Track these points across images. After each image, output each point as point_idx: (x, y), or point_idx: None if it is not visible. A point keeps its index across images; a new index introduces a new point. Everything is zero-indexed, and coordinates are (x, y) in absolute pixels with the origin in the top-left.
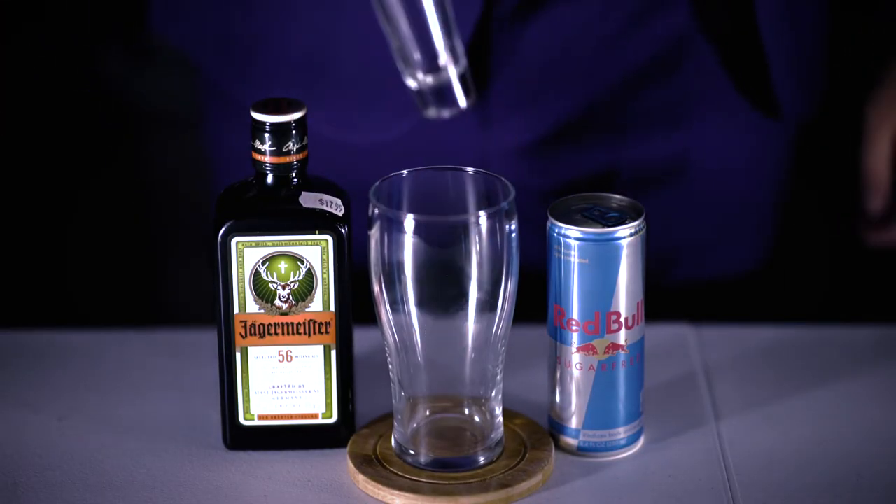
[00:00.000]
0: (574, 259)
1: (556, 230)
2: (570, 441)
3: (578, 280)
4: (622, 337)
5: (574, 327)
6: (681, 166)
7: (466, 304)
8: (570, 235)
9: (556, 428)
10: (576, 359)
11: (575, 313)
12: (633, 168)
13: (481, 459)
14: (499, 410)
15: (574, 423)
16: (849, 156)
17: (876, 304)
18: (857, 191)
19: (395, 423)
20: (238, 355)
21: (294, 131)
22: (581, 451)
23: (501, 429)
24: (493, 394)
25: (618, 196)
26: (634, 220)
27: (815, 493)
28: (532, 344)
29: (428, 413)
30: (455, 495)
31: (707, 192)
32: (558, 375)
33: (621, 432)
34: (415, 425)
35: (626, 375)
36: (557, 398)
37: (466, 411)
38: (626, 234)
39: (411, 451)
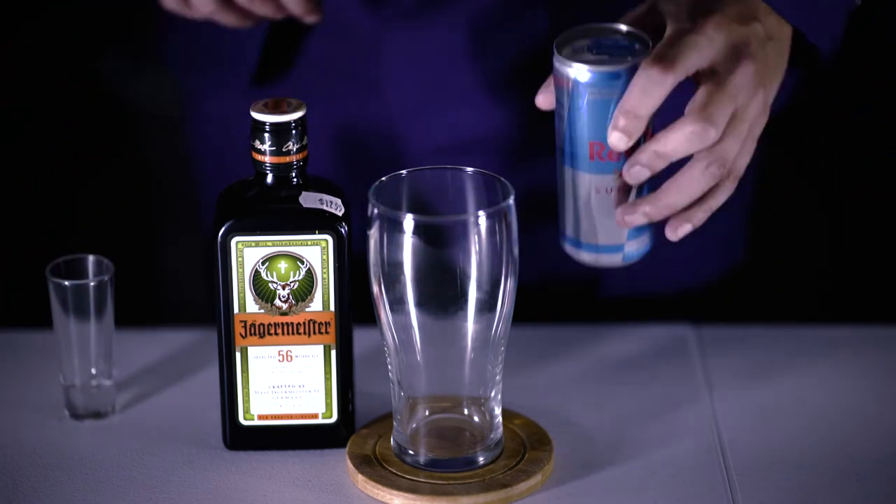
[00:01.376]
0: (593, 97)
1: (571, 69)
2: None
3: (601, 114)
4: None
5: (614, 157)
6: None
7: (466, 304)
8: (587, 75)
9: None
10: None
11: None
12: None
13: (480, 459)
14: (498, 410)
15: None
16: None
17: (876, 305)
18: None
19: (395, 424)
20: (238, 355)
21: (294, 131)
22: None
23: (501, 429)
24: (493, 394)
25: (622, 27)
26: (644, 49)
27: (815, 492)
28: (532, 344)
29: (427, 413)
30: (455, 495)
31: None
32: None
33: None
34: (414, 425)
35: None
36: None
37: (466, 411)
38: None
39: (410, 451)
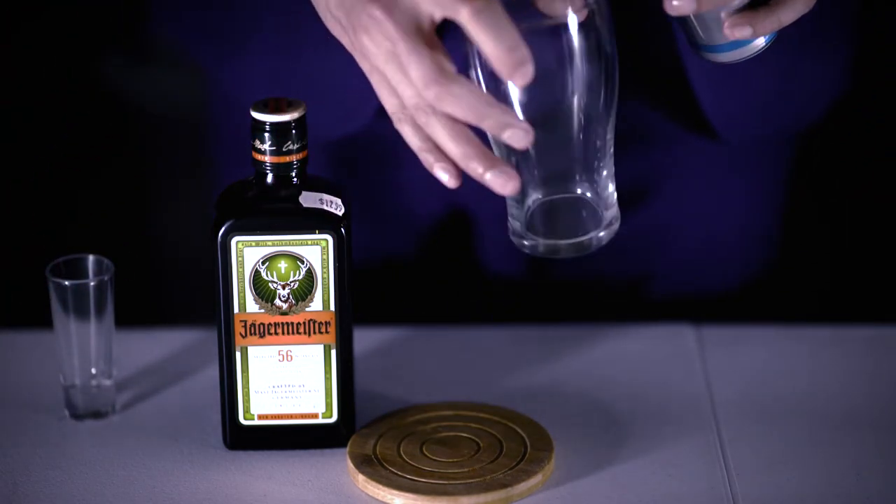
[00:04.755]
0: None
1: None
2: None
3: None
4: None
5: None
6: (644, 188)
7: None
8: None
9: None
10: None
11: None
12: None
13: (602, 235)
14: (612, 187)
15: None
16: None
17: (876, 305)
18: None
19: (509, 211)
20: (238, 355)
21: (294, 131)
22: None
23: (616, 206)
24: (605, 168)
25: None
26: None
27: (815, 492)
28: (532, 344)
29: (541, 196)
30: (455, 495)
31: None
32: None
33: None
34: (529, 206)
35: None
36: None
37: (578, 190)
38: None
39: (529, 238)
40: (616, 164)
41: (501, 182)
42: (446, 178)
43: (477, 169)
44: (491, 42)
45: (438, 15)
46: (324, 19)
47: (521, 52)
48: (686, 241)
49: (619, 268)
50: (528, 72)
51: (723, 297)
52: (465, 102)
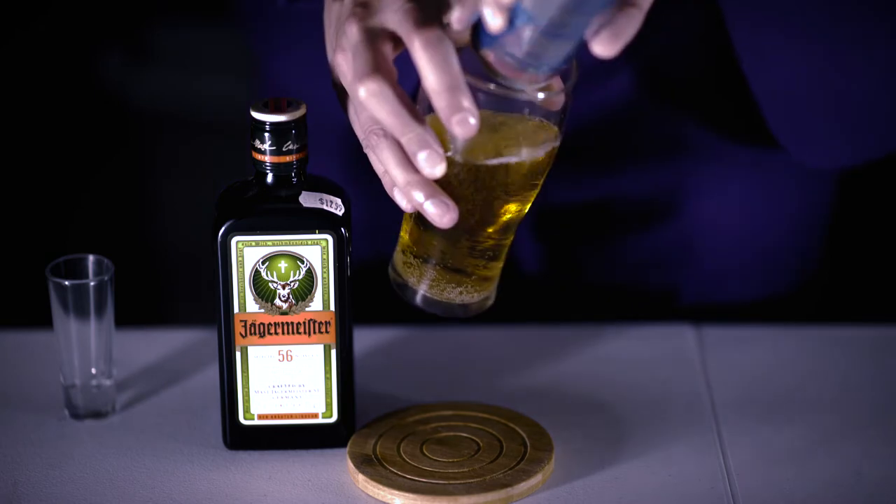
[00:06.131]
0: None
1: None
2: None
3: None
4: None
5: None
6: (671, 199)
7: None
8: None
9: None
10: None
11: None
12: (625, 201)
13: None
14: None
15: None
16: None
17: (876, 304)
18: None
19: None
20: (238, 355)
21: (294, 131)
22: None
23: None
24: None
25: None
26: None
27: (815, 491)
28: (532, 344)
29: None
30: (455, 495)
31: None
32: None
33: None
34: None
35: None
36: None
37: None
38: None
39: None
40: (647, 173)
41: (440, 213)
42: (404, 203)
43: (418, 197)
44: (432, 75)
45: (397, 33)
46: (327, 42)
47: (462, 97)
48: (710, 256)
49: (648, 279)
50: (467, 122)
51: (724, 300)
52: (386, 107)
